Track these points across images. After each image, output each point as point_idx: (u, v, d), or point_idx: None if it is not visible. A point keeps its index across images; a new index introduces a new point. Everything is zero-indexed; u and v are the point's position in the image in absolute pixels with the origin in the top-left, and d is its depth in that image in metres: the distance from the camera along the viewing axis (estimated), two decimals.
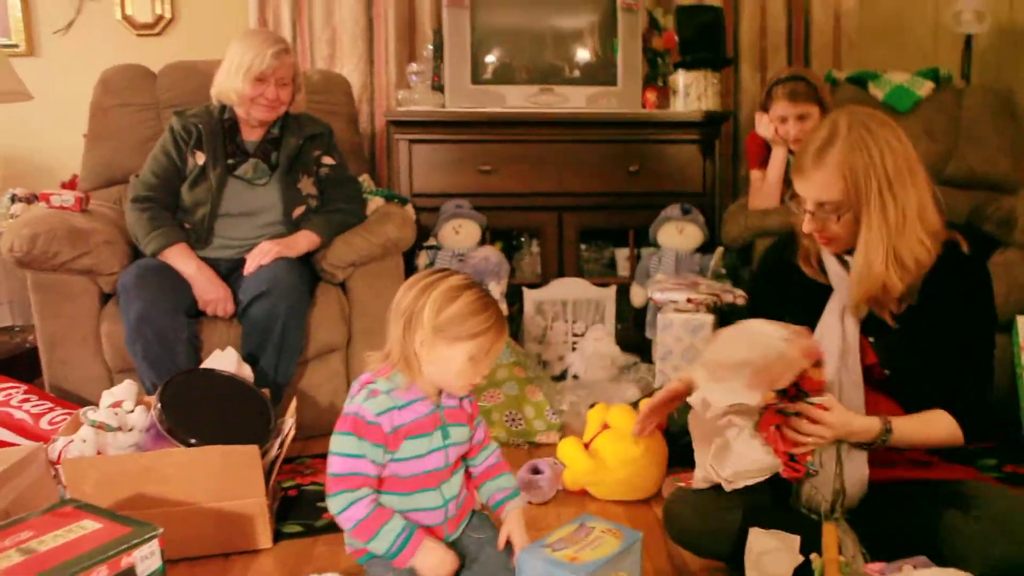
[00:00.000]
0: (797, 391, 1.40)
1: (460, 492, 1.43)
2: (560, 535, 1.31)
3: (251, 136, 2.42)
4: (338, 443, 1.34)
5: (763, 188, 2.76)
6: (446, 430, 1.40)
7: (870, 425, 1.43)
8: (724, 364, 1.39)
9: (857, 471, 1.48)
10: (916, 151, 1.47)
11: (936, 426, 1.46)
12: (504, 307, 2.93)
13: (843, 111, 1.49)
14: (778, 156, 2.72)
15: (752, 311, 1.59)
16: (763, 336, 1.39)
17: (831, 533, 1.31)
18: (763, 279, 1.77)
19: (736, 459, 1.41)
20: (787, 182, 2.74)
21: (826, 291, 1.57)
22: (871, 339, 1.53)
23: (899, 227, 1.43)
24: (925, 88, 3.12)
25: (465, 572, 1.39)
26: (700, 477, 1.50)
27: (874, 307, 1.50)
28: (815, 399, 1.39)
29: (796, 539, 1.38)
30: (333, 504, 1.33)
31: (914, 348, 1.49)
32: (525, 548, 1.31)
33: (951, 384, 1.47)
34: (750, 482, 1.42)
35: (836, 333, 1.52)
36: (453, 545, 1.41)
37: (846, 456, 1.48)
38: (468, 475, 1.49)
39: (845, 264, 1.53)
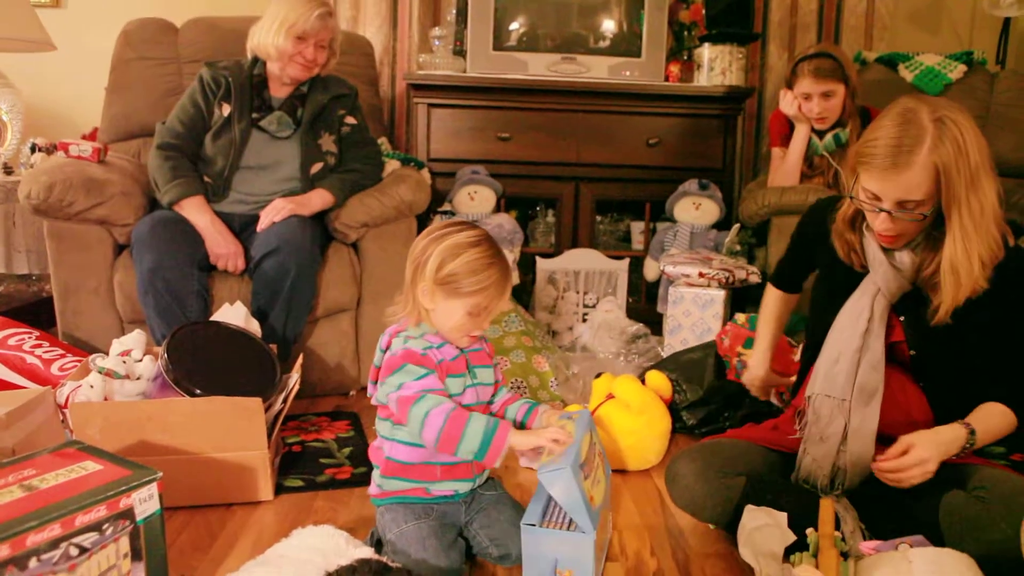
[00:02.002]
0: None
1: None
2: (584, 450, 1.36)
3: (279, 92, 2.42)
4: (398, 377, 1.36)
5: (783, 166, 2.73)
6: (473, 371, 1.45)
7: (956, 435, 1.41)
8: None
9: (860, 450, 1.47)
10: None
11: (1000, 419, 1.45)
12: (516, 275, 2.92)
13: (911, 100, 1.37)
14: (800, 134, 2.69)
15: (789, 260, 1.73)
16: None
17: (828, 508, 1.30)
18: (802, 235, 1.75)
19: None
20: (807, 161, 2.71)
21: (855, 273, 1.56)
22: (902, 318, 1.52)
23: (983, 224, 1.35)
24: (957, 71, 3.06)
25: (476, 522, 1.44)
26: None
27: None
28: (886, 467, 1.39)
29: (785, 516, 1.37)
30: (413, 417, 1.33)
31: (958, 337, 1.46)
32: (565, 458, 1.30)
33: (1008, 377, 1.46)
34: None
35: (863, 315, 1.51)
36: (471, 497, 1.47)
37: (852, 435, 1.47)
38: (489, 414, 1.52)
39: (886, 250, 1.50)
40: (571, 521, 1.33)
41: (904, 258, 1.49)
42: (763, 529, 1.34)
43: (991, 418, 1.44)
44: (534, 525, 1.33)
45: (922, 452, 1.37)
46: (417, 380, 1.35)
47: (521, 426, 1.50)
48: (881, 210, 1.39)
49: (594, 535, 1.30)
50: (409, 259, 1.41)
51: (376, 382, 1.43)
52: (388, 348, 1.42)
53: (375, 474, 1.48)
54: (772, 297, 1.89)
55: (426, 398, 1.33)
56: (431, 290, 1.37)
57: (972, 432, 1.41)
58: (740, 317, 2.32)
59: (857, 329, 1.51)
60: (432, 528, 1.38)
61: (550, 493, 1.29)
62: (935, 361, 1.51)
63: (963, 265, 1.36)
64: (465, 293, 1.35)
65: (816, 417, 1.53)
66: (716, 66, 3.10)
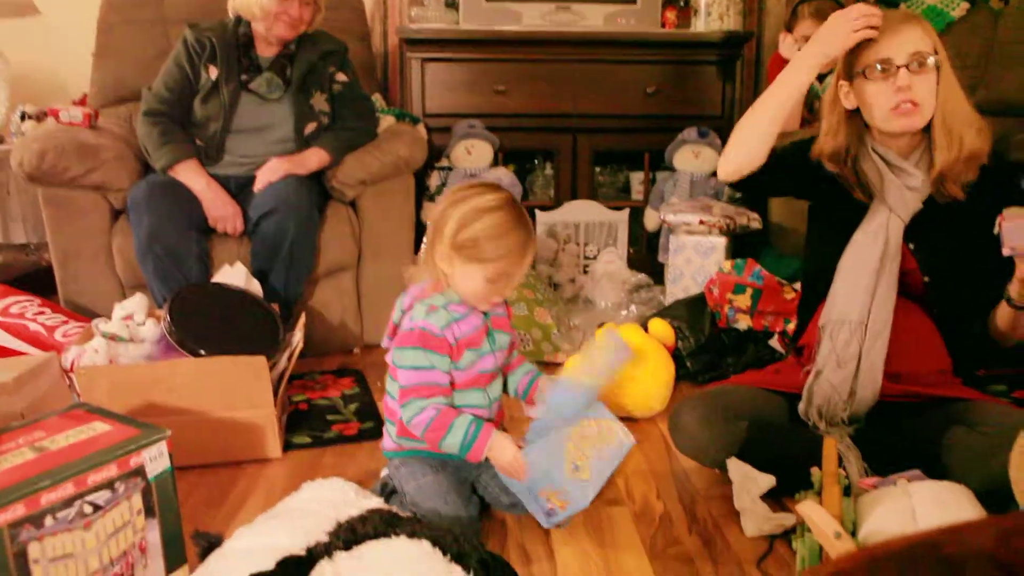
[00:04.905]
0: None
1: (499, 395, 1.49)
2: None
3: (266, 52, 2.38)
4: (407, 357, 1.36)
5: None
6: (492, 336, 1.44)
7: None
8: None
9: (873, 374, 1.50)
10: None
11: None
12: None
13: None
14: None
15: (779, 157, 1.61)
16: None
17: (831, 447, 1.32)
18: (800, 152, 1.69)
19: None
20: (808, 106, 2.69)
21: (854, 206, 1.57)
22: (911, 245, 1.55)
23: (962, 95, 1.50)
24: (959, 9, 3.01)
25: (487, 472, 1.46)
26: None
27: (944, 187, 1.51)
28: None
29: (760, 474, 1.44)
30: (406, 412, 1.36)
31: (964, 250, 1.51)
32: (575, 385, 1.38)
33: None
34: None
35: (879, 238, 1.53)
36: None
37: (865, 356, 1.50)
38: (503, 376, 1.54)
39: (892, 167, 1.53)
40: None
41: (916, 172, 1.52)
42: (743, 481, 1.39)
43: None
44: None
45: None
46: (420, 370, 1.35)
47: (523, 396, 1.51)
48: (899, 67, 1.46)
49: (539, 447, 1.33)
50: (429, 221, 1.39)
51: (392, 337, 1.43)
52: (408, 310, 1.40)
53: (389, 429, 1.49)
54: None
55: (411, 404, 1.35)
56: (449, 254, 1.34)
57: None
58: (726, 265, 2.32)
59: (874, 252, 1.53)
60: (451, 483, 1.40)
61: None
62: (948, 286, 1.54)
63: (954, 116, 1.48)
64: (484, 259, 1.32)
65: (833, 345, 1.54)
66: (713, 11, 3.06)
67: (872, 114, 1.53)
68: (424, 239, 1.40)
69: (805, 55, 1.55)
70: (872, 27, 1.48)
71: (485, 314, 1.43)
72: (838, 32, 1.50)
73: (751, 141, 1.57)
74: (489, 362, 1.43)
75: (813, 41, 1.54)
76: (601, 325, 2.17)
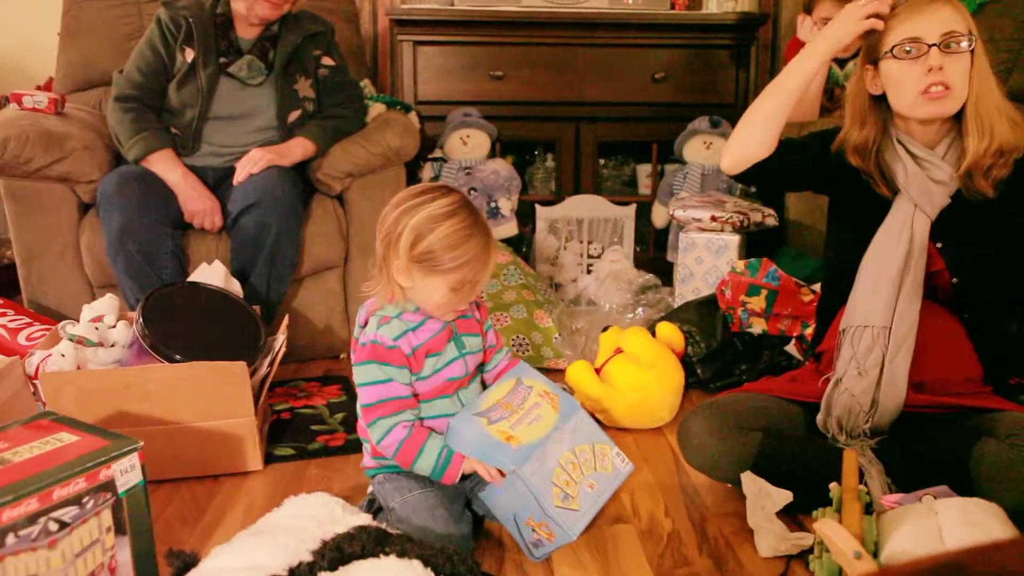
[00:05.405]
0: None
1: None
2: (495, 397, 1.41)
3: (247, 33, 2.38)
4: (362, 373, 1.39)
5: (802, 99, 2.69)
6: (460, 340, 1.45)
7: None
8: None
9: (897, 383, 1.50)
10: None
11: None
12: (513, 225, 2.93)
13: None
14: None
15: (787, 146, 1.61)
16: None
17: (851, 460, 1.32)
18: (818, 142, 1.69)
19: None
20: (828, 93, 2.69)
21: (878, 201, 1.58)
22: (939, 244, 1.55)
23: (995, 82, 1.50)
24: None
25: (480, 485, 1.45)
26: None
27: (972, 182, 1.51)
28: None
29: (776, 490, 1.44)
30: (373, 433, 1.39)
31: (997, 249, 1.52)
32: (459, 413, 1.39)
33: None
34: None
35: (903, 236, 1.53)
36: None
37: (888, 364, 1.50)
38: (482, 382, 1.54)
39: (917, 159, 1.54)
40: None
41: (942, 165, 1.52)
42: (757, 496, 1.39)
43: None
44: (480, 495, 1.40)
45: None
46: (376, 384, 1.37)
47: None
48: (930, 46, 1.46)
49: (522, 468, 1.32)
50: (379, 233, 1.38)
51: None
52: (365, 325, 1.42)
53: (366, 446, 1.50)
54: None
55: (378, 425, 1.37)
56: (407, 268, 1.34)
57: None
58: (739, 264, 2.33)
59: (898, 251, 1.53)
60: (440, 497, 1.41)
61: (458, 449, 1.37)
62: (979, 288, 1.54)
63: (987, 104, 1.48)
64: (445, 269, 1.33)
65: (854, 351, 1.55)
66: None
67: (900, 99, 1.52)
68: (377, 251, 1.39)
69: (816, 42, 1.57)
70: (879, 16, 1.49)
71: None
72: (847, 19, 1.52)
73: (755, 130, 1.59)
74: (458, 368, 1.44)
75: (826, 28, 1.56)
76: (605, 329, 2.17)
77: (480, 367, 1.53)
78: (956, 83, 1.47)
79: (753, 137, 1.59)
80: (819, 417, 1.57)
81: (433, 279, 1.35)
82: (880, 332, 1.52)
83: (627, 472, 1.49)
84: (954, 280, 1.56)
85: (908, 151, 1.55)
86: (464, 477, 1.42)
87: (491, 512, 1.45)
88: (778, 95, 1.58)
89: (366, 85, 2.78)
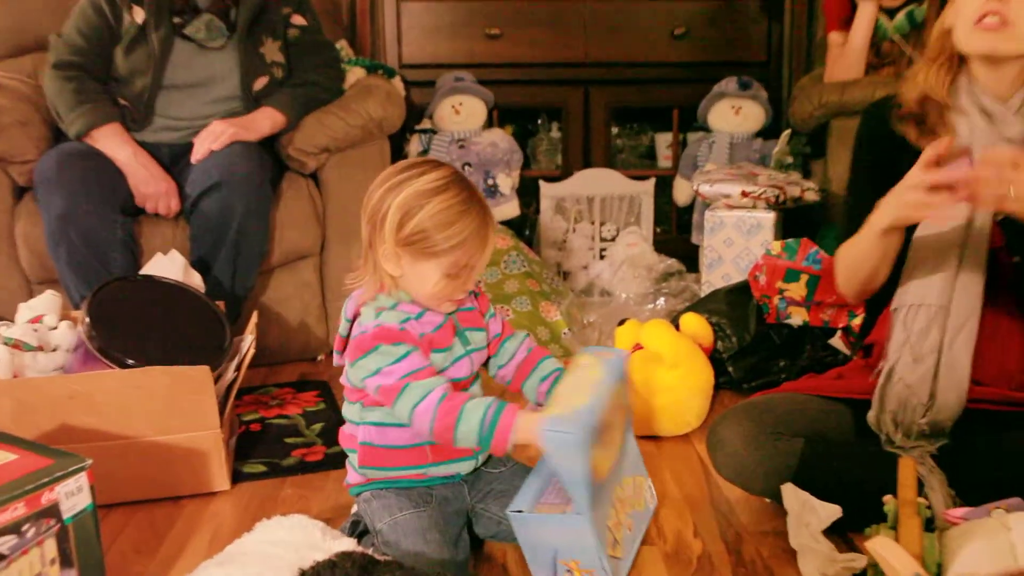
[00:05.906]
0: None
1: None
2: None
3: None
4: (373, 361, 1.35)
5: (844, 54, 2.70)
6: (464, 336, 1.44)
7: None
8: None
9: (960, 372, 1.49)
10: None
11: None
12: (515, 205, 2.92)
13: None
14: (865, 14, 2.66)
15: (853, 191, 1.63)
16: None
17: (909, 470, 1.32)
18: (868, 150, 1.71)
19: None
20: (874, 47, 2.68)
21: None
22: (999, 217, 1.52)
23: None
24: None
25: (484, 502, 1.46)
26: None
27: None
28: None
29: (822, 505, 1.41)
30: (402, 406, 1.34)
31: None
32: (512, 510, 1.34)
33: None
34: None
35: (963, 203, 1.50)
36: (474, 477, 1.48)
37: (947, 348, 1.49)
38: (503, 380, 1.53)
39: (986, 114, 1.51)
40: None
41: (1015, 121, 1.49)
42: (800, 514, 1.38)
43: None
44: (521, 512, 1.33)
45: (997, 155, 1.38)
46: (397, 362, 1.34)
47: (536, 387, 1.50)
48: None
49: (590, 515, 1.30)
50: (363, 215, 1.37)
51: (343, 351, 1.43)
52: (356, 318, 1.41)
53: (351, 460, 1.48)
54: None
55: (409, 389, 1.33)
56: (395, 253, 1.33)
57: None
58: (775, 246, 2.31)
59: (954, 233, 1.51)
60: (433, 518, 1.40)
61: (550, 454, 1.29)
62: None
63: None
64: (438, 252, 1.32)
65: (907, 334, 1.53)
66: None
67: (958, 28, 1.50)
68: (363, 236, 1.38)
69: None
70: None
71: (449, 312, 1.42)
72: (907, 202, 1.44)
73: (864, 281, 1.62)
74: (464, 368, 1.43)
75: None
76: (622, 322, 2.17)
77: (485, 363, 1.52)
78: (1017, 18, 1.44)
79: (869, 287, 1.63)
80: (870, 414, 1.56)
81: (425, 264, 1.33)
82: (937, 312, 1.51)
83: (653, 508, 1.50)
84: (1016, 259, 1.53)
85: (976, 104, 1.53)
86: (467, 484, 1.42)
87: (503, 535, 1.44)
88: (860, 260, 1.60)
89: (343, 47, 2.79)
